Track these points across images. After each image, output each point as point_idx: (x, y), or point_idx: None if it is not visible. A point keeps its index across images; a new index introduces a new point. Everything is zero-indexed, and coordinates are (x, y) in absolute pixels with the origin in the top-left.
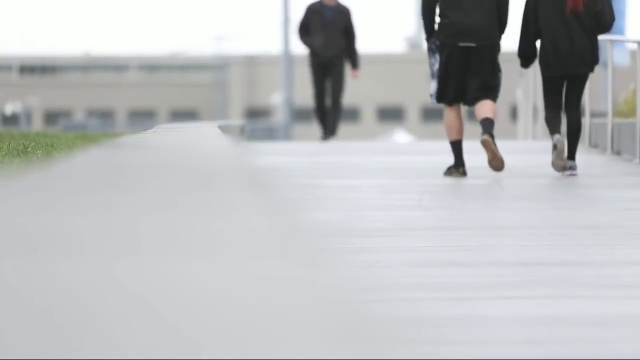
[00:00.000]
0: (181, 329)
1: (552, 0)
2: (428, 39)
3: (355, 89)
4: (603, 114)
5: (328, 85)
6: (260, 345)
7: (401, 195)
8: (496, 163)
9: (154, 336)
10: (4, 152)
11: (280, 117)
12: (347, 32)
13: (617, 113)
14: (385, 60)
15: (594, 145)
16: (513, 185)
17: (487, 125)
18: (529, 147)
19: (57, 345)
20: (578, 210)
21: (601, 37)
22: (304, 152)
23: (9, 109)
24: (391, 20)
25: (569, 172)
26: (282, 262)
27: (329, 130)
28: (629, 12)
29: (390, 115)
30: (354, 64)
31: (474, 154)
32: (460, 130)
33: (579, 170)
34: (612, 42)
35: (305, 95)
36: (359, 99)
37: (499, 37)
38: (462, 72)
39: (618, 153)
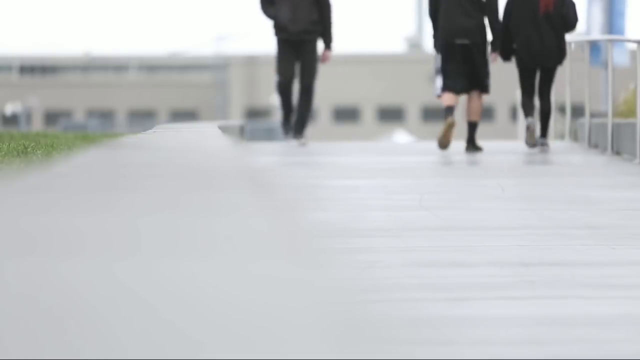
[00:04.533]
0: (181, 328)
1: (525, 3)
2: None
3: (355, 89)
4: (603, 114)
5: (297, 69)
6: (260, 345)
7: (401, 195)
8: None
9: (154, 336)
10: (4, 152)
11: (280, 117)
12: (320, 2)
13: (617, 113)
14: (385, 60)
15: (594, 145)
16: (513, 185)
17: (471, 129)
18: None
19: (57, 345)
20: (578, 211)
21: (601, 37)
22: (304, 152)
23: (9, 109)
24: (391, 20)
25: (539, 149)
26: (282, 262)
27: (295, 129)
28: (629, 12)
29: (390, 115)
30: (327, 42)
31: (475, 155)
32: (455, 101)
33: (554, 157)
34: (612, 42)
35: None
36: (359, 99)
37: (488, 36)
38: (459, 65)
39: (618, 153)
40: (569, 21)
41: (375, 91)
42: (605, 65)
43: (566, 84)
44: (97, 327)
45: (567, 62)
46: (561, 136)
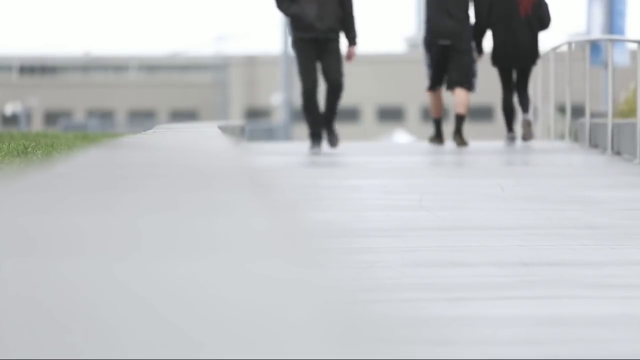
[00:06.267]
0: (181, 328)
1: (504, 4)
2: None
3: (355, 89)
4: (603, 114)
5: (319, 72)
6: (260, 345)
7: (401, 195)
8: (461, 146)
9: (154, 336)
10: (4, 153)
11: (280, 117)
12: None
13: (617, 113)
14: (385, 60)
15: (594, 145)
16: (513, 185)
17: (459, 121)
18: (528, 147)
19: (57, 345)
20: (578, 211)
21: (601, 37)
22: (304, 152)
23: (9, 109)
24: (391, 20)
25: (523, 123)
26: (282, 262)
27: (329, 133)
28: (629, 12)
29: (390, 115)
30: (352, 39)
31: (475, 155)
32: (441, 110)
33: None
34: (612, 42)
35: None
36: (359, 99)
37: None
38: (442, 64)
39: (618, 153)
40: (545, 22)
41: (375, 91)
42: (606, 65)
43: (566, 84)
44: (97, 327)
45: (567, 62)
46: (561, 136)
